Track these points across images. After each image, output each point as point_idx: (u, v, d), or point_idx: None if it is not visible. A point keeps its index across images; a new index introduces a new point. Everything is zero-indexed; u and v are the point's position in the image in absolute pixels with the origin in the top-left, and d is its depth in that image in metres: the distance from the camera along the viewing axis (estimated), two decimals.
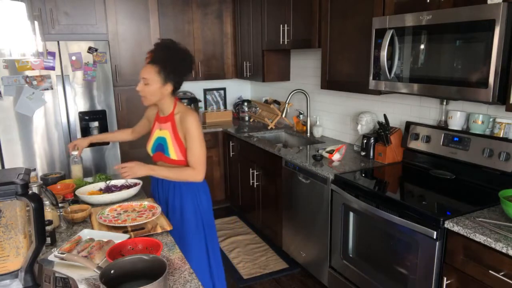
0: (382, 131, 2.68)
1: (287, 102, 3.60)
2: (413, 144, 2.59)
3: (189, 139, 1.96)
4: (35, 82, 3.32)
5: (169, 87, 1.95)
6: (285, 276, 3.08)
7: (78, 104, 3.52)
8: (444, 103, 2.44)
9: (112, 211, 1.91)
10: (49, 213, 1.72)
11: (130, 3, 3.69)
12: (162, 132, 2.04)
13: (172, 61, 1.91)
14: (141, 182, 2.24)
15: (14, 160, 3.36)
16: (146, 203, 1.97)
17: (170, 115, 2.02)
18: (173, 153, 2.00)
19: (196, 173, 1.97)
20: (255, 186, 3.62)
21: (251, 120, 4.56)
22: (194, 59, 2.03)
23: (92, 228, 1.76)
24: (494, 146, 2.12)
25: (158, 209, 1.88)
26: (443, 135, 2.40)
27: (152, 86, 1.91)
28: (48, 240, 1.59)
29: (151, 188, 2.24)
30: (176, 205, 2.07)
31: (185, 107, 2.06)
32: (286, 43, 3.42)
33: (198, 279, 1.38)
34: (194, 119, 1.96)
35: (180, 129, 1.98)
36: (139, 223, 1.75)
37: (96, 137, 2.50)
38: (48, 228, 1.60)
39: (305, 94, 3.72)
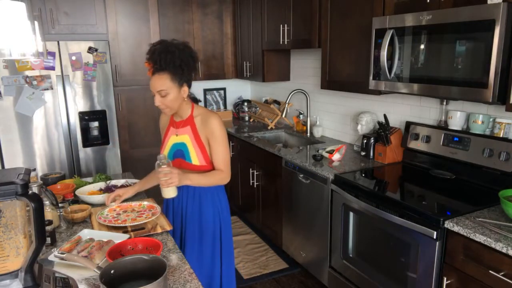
0: (382, 131, 2.68)
1: (287, 102, 3.60)
2: (413, 144, 2.59)
3: (214, 141, 1.87)
4: (35, 82, 3.32)
5: (186, 89, 1.86)
6: (285, 276, 3.08)
7: (78, 104, 3.52)
8: (444, 103, 2.44)
9: (111, 211, 1.90)
10: (49, 213, 1.72)
11: (130, 3, 3.69)
12: (180, 137, 1.92)
13: (179, 61, 1.79)
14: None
15: (14, 160, 3.36)
16: (146, 203, 1.96)
17: (189, 118, 1.92)
18: (195, 158, 1.88)
19: (225, 176, 1.90)
20: (255, 186, 3.62)
21: (251, 120, 4.56)
22: (193, 48, 1.90)
23: (92, 228, 1.76)
24: (494, 146, 2.12)
25: (158, 209, 1.87)
26: (443, 135, 2.40)
27: (171, 95, 1.80)
28: (48, 240, 1.59)
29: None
30: (195, 213, 1.97)
31: (204, 108, 1.97)
32: (286, 43, 3.42)
33: (198, 279, 1.38)
34: (218, 121, 1.88)
35: (202, 131, 1.89)
36: (139, 223, 1.75)
37: (139, 186, 2.08)
38: (48, 228, 1.60)
39: (305, 94, 3.72)
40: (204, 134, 1.89)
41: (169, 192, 1.76)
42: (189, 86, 1.89)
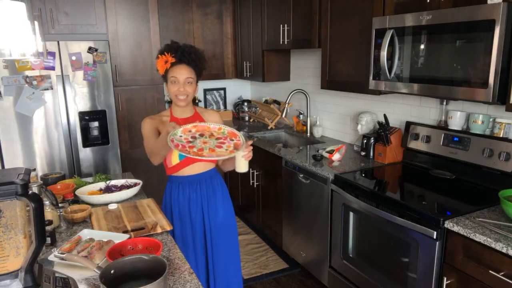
0: (382, 131, 2.68)
1: (287, 102, 3.60)
2: (413, 144, 2.59)
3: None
4: (35, 82, 3.32)
5: (197, 87, 2.02)
6: (285, 276, 3.08)
7: (78, 104, 3.52)
8: (444, 103, 2.44)
9: (186, 132, 1.70)
10: (49, 213, 1.72)
11: (130, 3, 3.69)
12: None
13: (200, 61, 1.97)
14: (141, 182, 2.24)
15: (14, 160, 3.36)
16: (227, 128, 1.77)
17: (196, 113, 2.05)
18: None
19: None
20: (255, 186, 3.62)
21: (251, 120, 4.56)
22: None
23: (92, 228, 1.76)
24: (494, 146, 2.12)
25: (241, 139, 1.71)
26: (443, 135, 2.40)
27: (193, 85, 1.96)
28: (48, 240, 1.59)
29: (171, 199, 2.06)
30: (212, 206, 2.05)
31: (202, 107, 2.16)
32: (286, 43, 3.42)
33: (198, 279, 1.38)
34: (220, 115, 2.14)
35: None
36: (219, 158, 1.55)
37: None
38: (48, 228, 1.60)
39: (305, 94, 3.72)
40: None
41: (246, 166, 1.79)
42: None
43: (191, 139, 1.67)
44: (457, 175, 2.33)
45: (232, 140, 1.74)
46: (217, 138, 1.72)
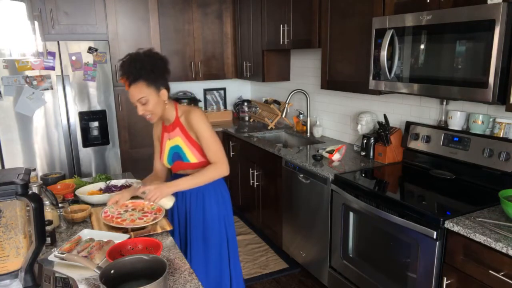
0: (382, 131, 2.68)
1: (287, 102, 3.60)
2: (413, 144, 2.59)
3: (201, 137, 1.88)
4: (35, 82, 3.32)
5: (164, 92, 1.85)
6: (285, 276, 3.08)
7: (78, 104, 3.52)
8: (444, 103, 2.44)
9: (123, 206, 1.87)
10: (49, 213, 1.72)
11: (130, 3, 3.69)
12: (173, 140, 1.95)
13: (150, 65, 1.79)
14: (141, 182, 2.23)
15: (14, 160, 3.36)
16: (157, 205, 1.88)
17: (176, 120, 1.94)
18: (192, 156, 1.93)
19: (220, 166, 1.88)
20: (255, 186, 3.62)
21: (251, 120, 4.56)
22: (159, 53, 1.90)
23: (92, 228, 1.76)
24: (494, 146, 2.12)
25: (162, 214, 1.83)
26: (443, 135, 2.40)
27: (151, 101, 1.80)
28: (48, 240, 1.60)
29: None
30: (199, 213, 1.99)
31: (186, 106, 2.00)
32: (286, 43, 3.42)
33: (198, 279, 1.38)
34: (198, 115, 1.89)
35: (189, 129, 1.91)
36: (135, 226, 1.71)
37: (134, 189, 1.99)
38: (48, 228, 1.60)
39: (305, 94, 3.72)
40: (192, 131, 1.91)
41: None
42: (167, 88, 1.89)
43: (122, 212, 1.85)
44: (457, 175, 2.33)
45: (156, 214, 1.84)
46: (145, 212, 1.86)
